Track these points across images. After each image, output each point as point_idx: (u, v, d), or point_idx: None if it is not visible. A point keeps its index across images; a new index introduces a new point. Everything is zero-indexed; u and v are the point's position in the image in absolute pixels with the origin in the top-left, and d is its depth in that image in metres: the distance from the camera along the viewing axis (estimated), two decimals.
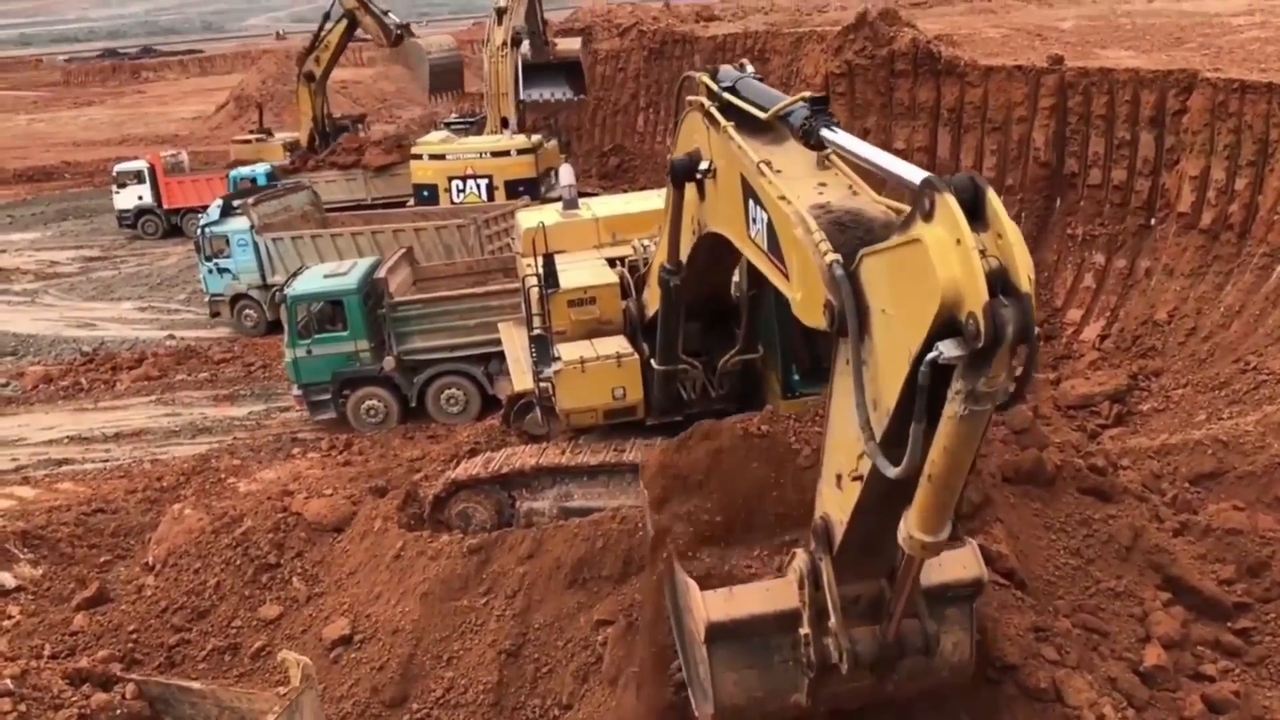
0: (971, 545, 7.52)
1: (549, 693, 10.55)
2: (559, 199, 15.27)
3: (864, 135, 26.44)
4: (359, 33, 40.01)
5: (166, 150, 47.82)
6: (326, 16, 39.21)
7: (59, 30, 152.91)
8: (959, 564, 7.22)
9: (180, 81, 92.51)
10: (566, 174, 15.81)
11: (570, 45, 37.32)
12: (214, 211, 29.36)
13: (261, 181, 36.06)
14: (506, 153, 31.84)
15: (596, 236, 13.61)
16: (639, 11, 45.58)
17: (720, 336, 12.02)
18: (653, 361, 11.93)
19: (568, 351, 12.66)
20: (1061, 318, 22.57)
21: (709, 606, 7.03)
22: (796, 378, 12.08)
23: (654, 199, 13.67)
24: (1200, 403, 16.40)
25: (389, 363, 20.94)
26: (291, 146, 42.12)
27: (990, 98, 24.43)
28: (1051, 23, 32.79)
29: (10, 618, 13.81)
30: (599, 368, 12.40)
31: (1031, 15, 36.42)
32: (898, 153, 25.79)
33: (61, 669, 11.42)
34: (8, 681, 10.86)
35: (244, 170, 37.98)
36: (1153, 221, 21.66)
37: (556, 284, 12.42)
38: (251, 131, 45.75)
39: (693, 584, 7.40)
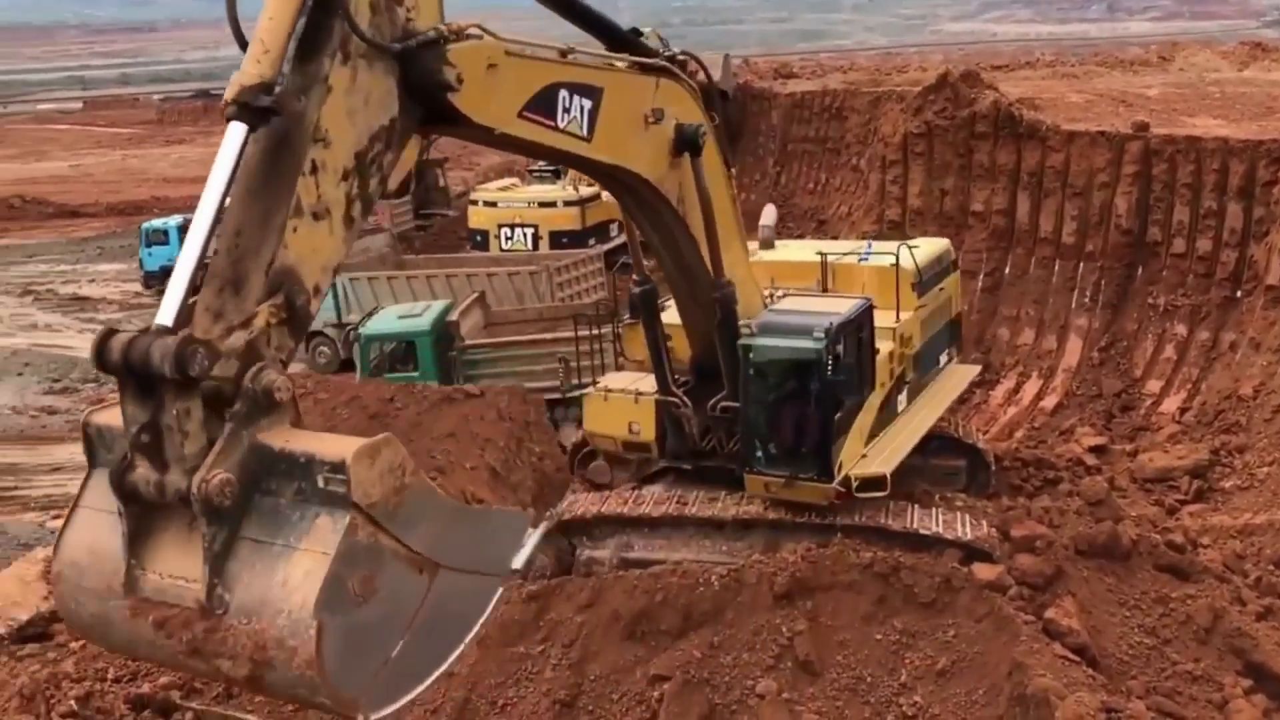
0: None
1: None
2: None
3: (941, 196, 26.30)
4: None
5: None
6: None
7: (156, 71, 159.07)
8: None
9: None
10: (769, 215, 15.77)
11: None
12: None
13: (174, 234, 35.01)
14: (553, 204, 32.41)
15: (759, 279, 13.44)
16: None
17: (714, 383, 12.14)
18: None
19: (609, 379, 13.50)
20: (1141, 388, 22.04)
21: None
22: (760, 454, 11.91)
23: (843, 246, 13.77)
24: None
25: None
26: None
27: (1072, 163, 24.16)
28: (1137, 89, 32.39)
29: (78, 641, 14.03)
30: (619, 400, 12.96)
31: (1116, 81, 36.05)
32: (974, 215, 25.67)
33: (124, 693, 11.57)
34: (72, 703, 11.04)
35: (155, 222, 37.31)
36: (1239, 294, 21.12)
37: (636, 316, 12.67)
38: None
39: None
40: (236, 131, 6.58)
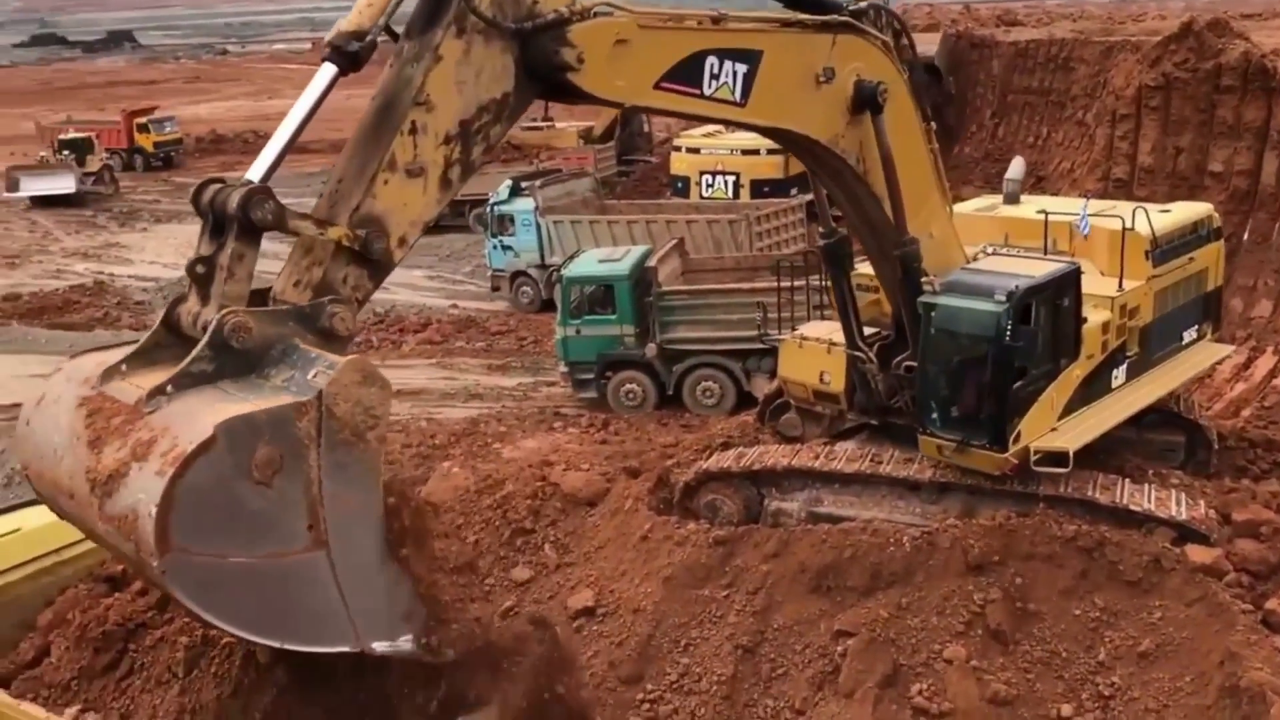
0: None
1: (782, 695, 10.45)
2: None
3: (1176, 154, 24.55)
4: None
5: None
6: None
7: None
8: None
9: None
10: (1016, 167, 15.28)
11: (927, 48, 35.84)
12: (503, 191, 30.96)
13: None
14: (756, 151, 31.79)
15: (990, 235, 13.16)
16: (937, 13, 44.23)
17: (903, 342, 11.94)
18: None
19: (807, 328, 13.61)
20: None
21: None
22: (935, 416, 11.45)
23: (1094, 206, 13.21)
24: None
25: (651, 349, 21.40)
26: (585, 134, 43.65)
27: None
28: None
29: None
30: (813, 348, 12.98)
31: None
32: (1212, 176, 23.84)
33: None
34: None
35: None
36: None
37: (853, 265, 12.52)
38: (541, 119, 47.85)
39: None
40: (327, 71, 7.20)
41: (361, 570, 6.53)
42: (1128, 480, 11.71)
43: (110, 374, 6.78)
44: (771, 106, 9.73)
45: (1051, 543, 10.75)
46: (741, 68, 9.27)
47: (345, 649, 6.59)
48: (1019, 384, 11.13)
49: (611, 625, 11.44)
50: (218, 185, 7.00)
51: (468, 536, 13.42)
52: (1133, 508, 11.21)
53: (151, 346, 7.00)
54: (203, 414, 6.16)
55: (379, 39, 7.35)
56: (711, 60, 9.05)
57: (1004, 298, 10.78)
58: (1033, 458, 11.17)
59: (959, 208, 14.58)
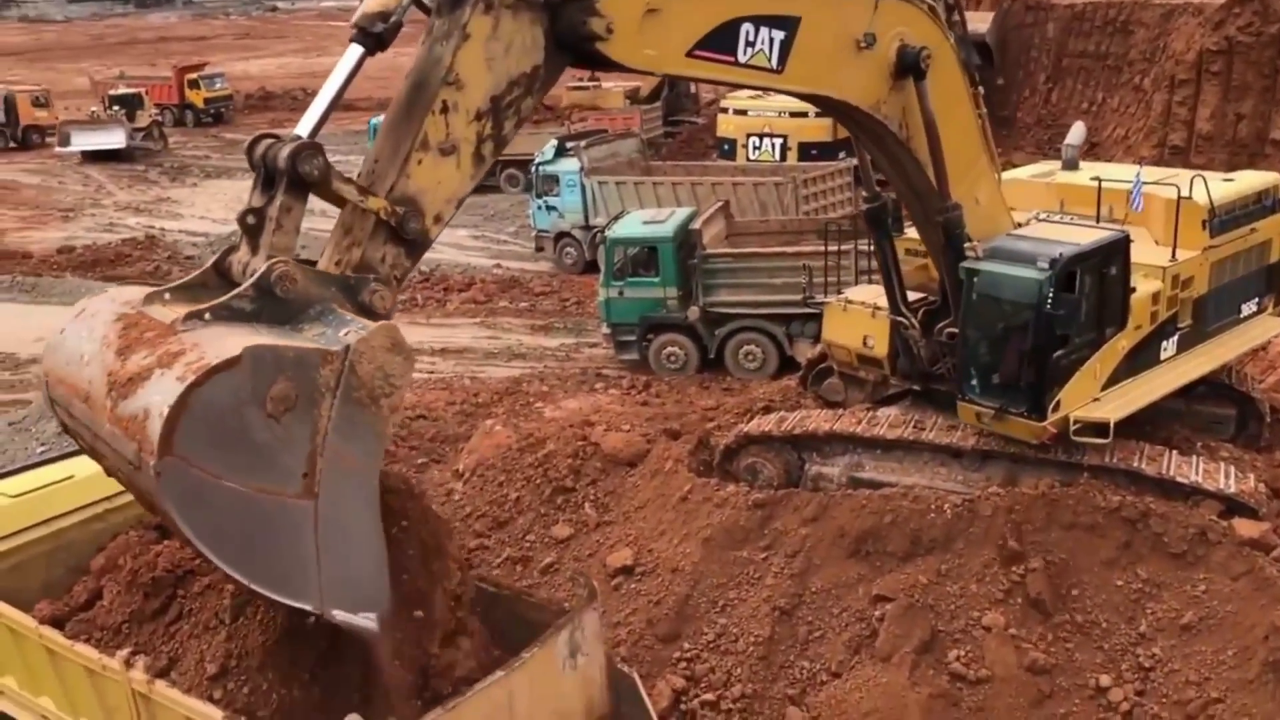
0: None
1: (818, 657, 10.50)
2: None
3: (1236, 121, 23.96)
4: None
5: None
6: None
7: None
8: None
9: None
10: (1076, 133, 15.02)
11: (978, 26, 35.13)
12: (548, 151, 30.88)
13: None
14: (804, 114, 31.32)
15: (1046, 202, 12.98)
16: None
17: (948, 308, 11.86)
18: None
19: (852, 291, 13.63)
20: None
21: None
22: (974, 383, 11.37)
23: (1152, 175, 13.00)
24: None
25: (694, 312, 21.34)
26: (631, 95, 43.36)
27: None
28: None
29: None
30: (857, 312, 12.92)
31: None
32: (1274, 144, 23.23)
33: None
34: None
35: (376, 119, 37.54)
36: None
37: (901, 230, 12.46)
38: (587, 79, 47.59)
39: None
40: (354, 52, 7.39)
41: (342, 533, 6.58)
42: (1175, 452, 11.56)
43: (153, 298, 7.00)
44: (809, 72, 9.61)
45: (1095, 513, 10.66)
46: (779, 34, 9.15)
47: (306, 607, 6.65)
48: (1060, 353, 11.00)
49: (650, 584, 11.53)
50: (270, 140, 7.13)
51: (509, 494, 13.56)
52: (1179, 479, 11.08)
53: (197, 284, 7.21)
54: (233, 338, 6.30)
55: (404, 20, 7.47)
56: (747, 27, 8.94)
57: (1047, 265, 10.63)
58: (1072, 427, 11.04)
59: (1016, 173, 14.38)
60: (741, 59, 9.01)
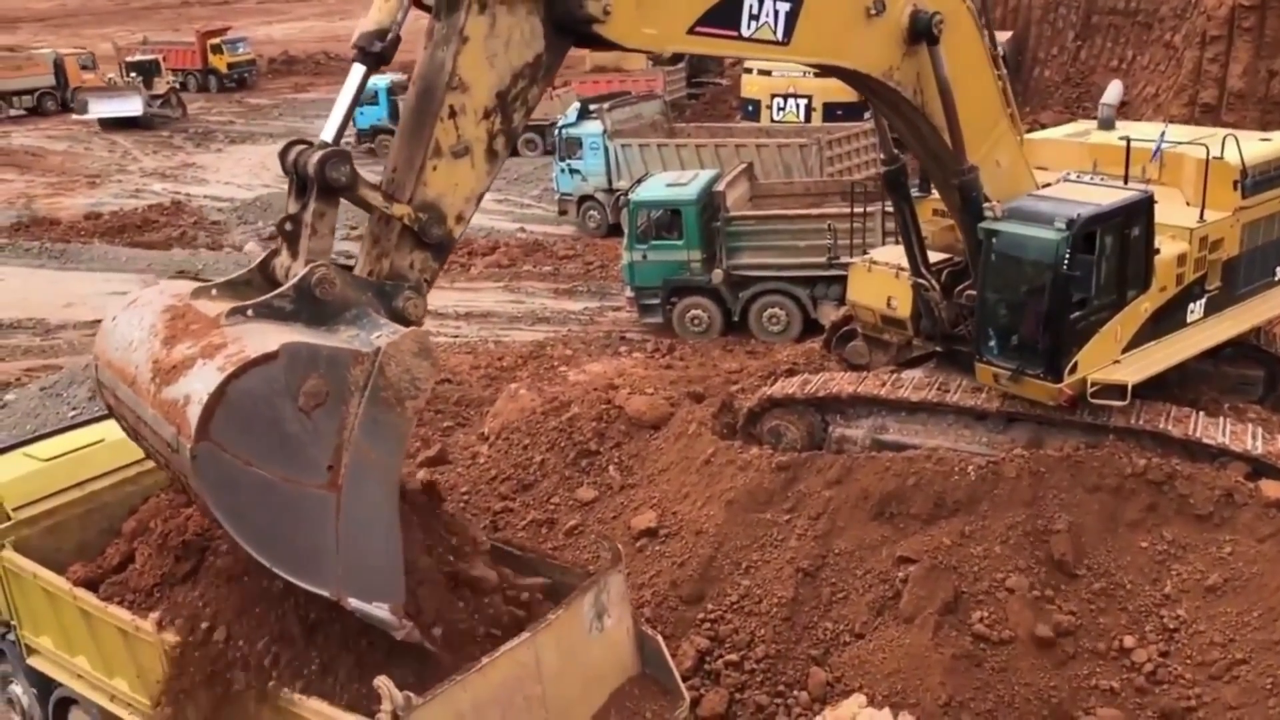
0: None
1: (842, 618, 10.55)
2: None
3: (1269, 78, 23.52)
4: None
5: None
6: None
7: None
8: None
9: None
10: (1113, 91, 14.77)
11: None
12: (572, 114, 30.73)
13: (382, 95, 37.45)
14: None
15: (1079, 161, 12.82)
16: None
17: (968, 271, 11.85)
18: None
19: (878, 252, 13.64)
20: None
21: None
22: (992, 344, 11.34)
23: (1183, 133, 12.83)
24: None
25: (717, 275, 21.28)
26: (655, 57, 42.91)
27: None
28: None
29: None
30: (882, 273, 12.92)
31: None
32: None
33: None
34: None
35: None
36: None
37: (927, 190, 12.42)
38: None
39: None
40: (357, 71, 7.66)
41: (363, 526, 6.94)
42: (1202, 413, 11.47)
43: (200, 292, 7.47)
44: (817, 43, 9.57)
45: (1120, 475, 10.62)
46: (784, 6, 9.13)
47: (323, 593, 6.98)
48: (1077, 314, 10.93)
49: (674, 546, 11.60)
50: (301, 146, 7.49)
51: (534, 457, 13.65)
52: (1206, 440, 11.00)
53: (243, 282, 7.71)
54: (273, 335, 6.68)
55: (400, 34, 7.70)
56: (751, 1, 8.93)
57: (1064, 225, 10.53)
58: (1089, 390, 10.98)
59: (1050, 133, 14.21)
60: (745, 33, 9.02)
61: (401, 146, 7.83)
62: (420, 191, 7.59)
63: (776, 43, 9.24)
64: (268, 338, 6.63)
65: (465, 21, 7.54)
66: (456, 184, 7.71)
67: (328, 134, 7.56)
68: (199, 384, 6.51)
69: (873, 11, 9.82)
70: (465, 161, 7.71)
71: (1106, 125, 13.59)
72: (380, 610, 7.14)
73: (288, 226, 7.46)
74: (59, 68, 53.41)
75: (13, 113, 52.21)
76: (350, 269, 7.64)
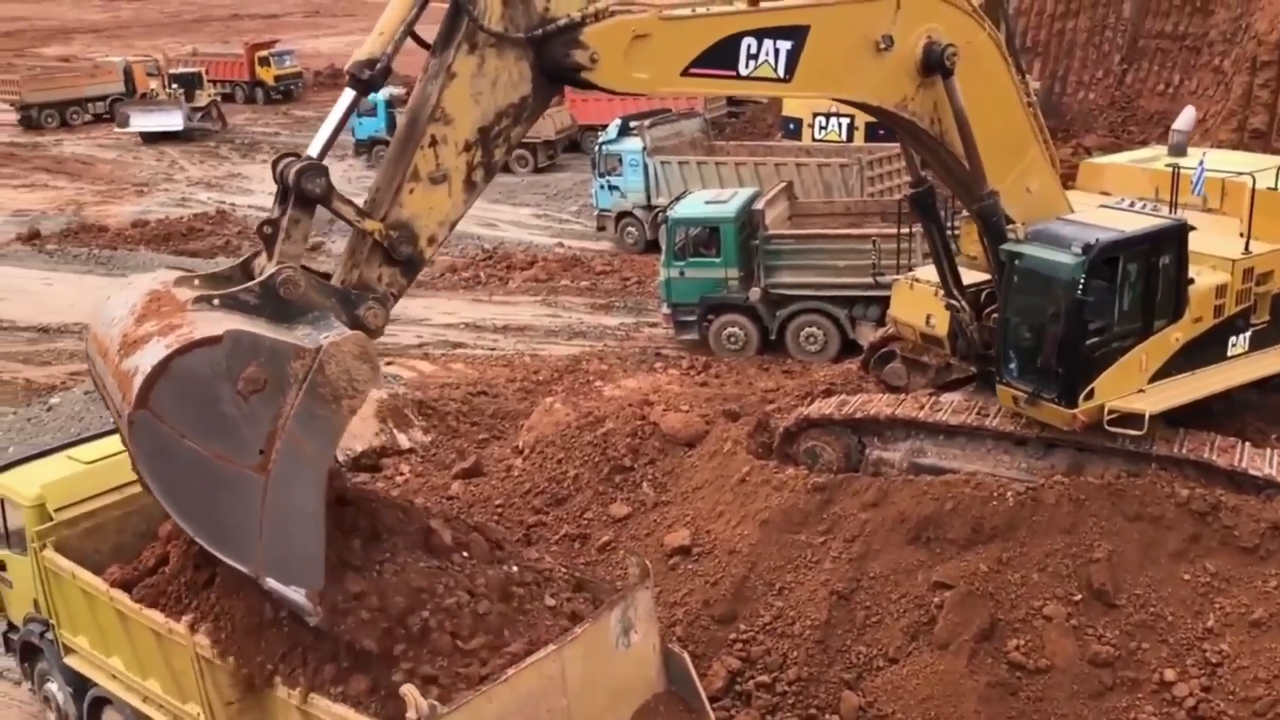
0: None
1: (875, 642, 10.42)
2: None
3: None
4: None
5: None
6: None
7: None
8: None
9: None
10: (1185, 118, 14.64)
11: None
12: (612, 131, 30.83)
13: (380, 107, 38.11)
14: None
15: (1141, 188, 12.75)
16: None
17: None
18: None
19: (921, 270, 13.55)
20: None
21: None
22: (1012, 365, 11.26)
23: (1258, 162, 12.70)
24: None
25: (755, 293, 21.23)
26: None
27: None
28: None
29: (402, 474, 15.62)
30: (923, 290, 12.90)
31: None
32: None
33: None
34: None
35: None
36: None
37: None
38: None
39: None
40: (347, 95, 8.14)
41: (287, 511, 7.27)
42: (1248, 444, 11.25)
43: (183, 281, 8.05)
44: (821, 79, 9.62)
45: (1162, 504, 10.43)
46: (785, 44, 9.19)
47: (243, 569, 7.36)
48: (1095, 340, 10.79)
49: (707, 565, 11.53)
50: (290, 158, 7.93)
51: (568, 471, 13.64)
52: (1252, 471, 10.79)
53: (225, 276, 8.29)
54: (226, 323, 7.20)
55: (390, 65, 8.09)
56: (749, 41, 9.01)
57: (1080, 250, 10.42)
58: (1107, 417, 10.80)
59: (1117, 158, 14.08)
60: (744, 72, 9.12)
61: (386, 168, 8.34)
62: (395, 211, 8.01)
63: (778, 80, 9.33)
64: (220, 325, 7.17)
65: (454, 59, 7.95)
66: (432, 207, 8.13)
67: (313, 149, 7.98)
68: (148, 358, 7.04)
69: (882, 46, 9.81)
70: (443, 188, 8.13)
71: (1178, 151, 13.42)
72: (297, 595, 7.44)
73: (266, 230, 7.90)
74: (128, 75, 54.36)
75: (87, 118, 53.19)
76: (328, 276, 8.09)
